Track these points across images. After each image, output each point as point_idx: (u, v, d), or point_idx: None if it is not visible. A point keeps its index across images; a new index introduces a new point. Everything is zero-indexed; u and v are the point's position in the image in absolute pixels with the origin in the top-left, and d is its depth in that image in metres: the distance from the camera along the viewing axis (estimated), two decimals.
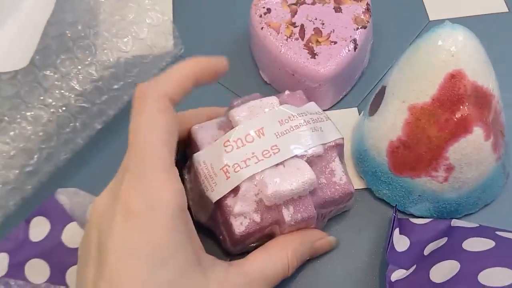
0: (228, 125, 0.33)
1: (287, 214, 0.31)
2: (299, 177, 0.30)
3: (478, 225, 0.33)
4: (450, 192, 0.34)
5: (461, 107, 0.31)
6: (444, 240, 0.32)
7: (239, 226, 0.31)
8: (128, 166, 0.28)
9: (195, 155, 0.33)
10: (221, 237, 0.34)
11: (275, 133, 0.31)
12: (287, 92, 0.36)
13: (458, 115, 0.31)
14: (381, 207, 0.38)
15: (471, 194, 0.35)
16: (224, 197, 0.31)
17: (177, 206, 0.27)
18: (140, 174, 0.27)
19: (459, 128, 0.31)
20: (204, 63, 0.31)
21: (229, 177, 0.31)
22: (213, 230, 0.35)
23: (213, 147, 0.32)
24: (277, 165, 0.31)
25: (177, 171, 0.28)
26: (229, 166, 0.31)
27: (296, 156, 0.31)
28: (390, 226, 0.35)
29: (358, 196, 0.38)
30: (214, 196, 0.31)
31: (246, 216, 0.31)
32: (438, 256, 0.31)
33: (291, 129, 0.32)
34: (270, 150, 0.31)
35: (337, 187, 0.33)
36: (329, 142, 0.33)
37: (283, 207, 0.31)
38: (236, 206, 0.31)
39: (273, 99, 0.34)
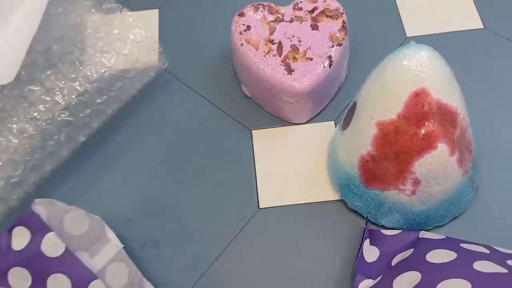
0: None
1: None
2: None
3: (444, 237, 0.34)
4: (418, 205, 0.35)
5: (425, 123, 0.32)
6: (410, 251, 0.33)
7: None
8: None
9: None
10: None
11: None
12: None
13: (422, 131, 0.32)
14: (354, 219, 0.39)
15: (439, 207, 0.36)
16: None
17: None
18: None
19: (424, 144, 0.33)
20: None
21: None
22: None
23: None
24: None
25: None
26: None
27: None
28: (360, 236, 0.36)
29: (332, 207, 0.40)
30: None
31: None
32: (403, 267, 0.32)
33: None
34: None
35: None
36: None
37: None
38: None
39: None
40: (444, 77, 0.33)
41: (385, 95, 0.33)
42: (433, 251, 0.32)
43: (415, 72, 0.32)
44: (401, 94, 0.32)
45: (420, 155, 0.33)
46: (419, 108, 0.32)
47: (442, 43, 0.47)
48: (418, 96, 0.32)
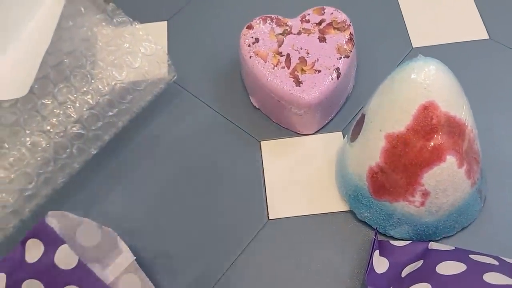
0: None
1: None
2: None
3: (453, 248, 0.35)
4: (427, 216, 0.36)
5: (434, 136, 0.33)
6: (420, 263, 0.34)
7: None
8: None
9: None
10: None
11: None
12: None
13: (431, 144, 0.33)
14: (363, 229, 0.39)
15: (448, 218, 0.36)
16: None
17: None
18: None
19: (433, 156, 0.33)
20: None
21: None
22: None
23: None
24: None
25: None
26: None
27: None
28: (370, 248, 0.36)
29: (341, 218, 0.40)
30: None
31: None
32: (413, 278, 0.32)
33: None
34: None
35: None
36: None
37: None
38: None
39: None
40: (452, 90, 0.33)
41: (393, 108, 0.34)
42: (443, 262, 0.32)
43: (423, 86, 0.32)
44: (410, 107, 0.33)
45: (429, 167, 0.33)
46: (428, 121, 0.32)
47: (448, 53, 0.47)
48: (427, 109, 0.32)
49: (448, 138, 0.33)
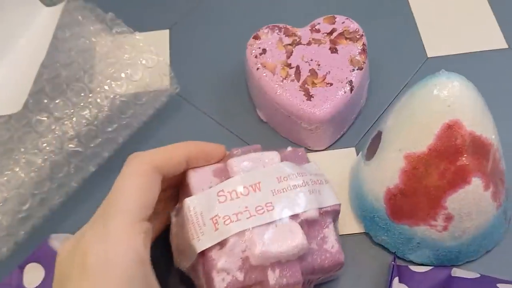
0: (225, 174, 0.32)
1: (272, 277, 0.29)
2: (290, 240, 0.29)
3: (479, 275, 0.32)
4: (450, 241, 0.33)
5: (459, 157, 0.30)
6: None
7: (221, 282, 0.29)
8: (97, 216, 0.29)
9: (186, 199, 0.31)
10: None
11: (271, 190, 0.30)
12: (289, 148, 0.35)
13: (456, 165, 0.30)
14: (380, 253, 0.37)
15: (472, 242, 0.34)
16: (209, 248, 0.30)
17: (133, 261, 0.27)
18: (104, 225, 0.28)
19: (457, 179, 0.31)
20: (200, 148, 0.33)
21: (218, 228, 0.29)
22: (193, 281, 0.34)
23: (206, 194, 0.31)
24: (269, 224, 0.30)
25: (146, 226, 0.29)
26: (219, 217, 0.30)
27: (290, 217, 0.30)
28: (389, 274, 0.34)
29: (356, 241, 0.38)
30: (199, 246, 0.30)
31: (229, 273, 0.29)
32: None
33: (289, 188, 0.31)
34: (264, 207, 0.30)
35: (328, 255, 0.31)
36: (326, 207, 0.32)
37: (269, 269, 0.29)
38: (221, 261, 0.29)
39: (273, 154, 0.33)
40: (477, 107, 0.31)
41: (414, 127, 0.31)
42: None
43: (447, 103, 0.30)
44: (433, 126, 0.30)
45: (454, 190, 0.31)
46: (452, 141, 0.30)
47: (464, 64, 0.45)
48: (451, 129, 0.30)
49: (474, 159, 0.31)
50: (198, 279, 0.33)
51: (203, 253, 0.30)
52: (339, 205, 0.33)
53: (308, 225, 0.31)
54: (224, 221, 0.29)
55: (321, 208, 0.31)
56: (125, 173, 0.30)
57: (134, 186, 0.29)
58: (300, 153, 0.35)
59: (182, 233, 0.32)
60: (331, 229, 0.32)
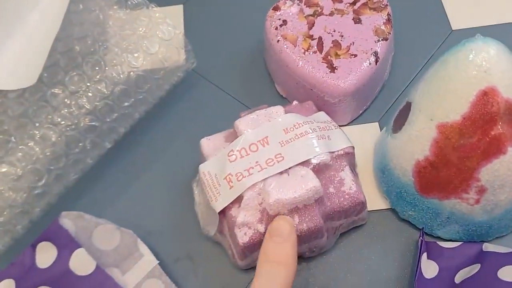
0: (234, 136, 0.33)
1: None
2: (303, 185, 0.30)
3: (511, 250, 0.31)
4: (481, 215, 0.32)
5: (494, 126, 0.29)
6: (477, 267, 0.30)
7: (243, 236, 0.31)
8: None
9: (201, 166, 0.33)
10: (229, 251, 0.34)
11: (279, 142, 0.31)
12: (295, 102, 0.36)
13: (490, 134, 0.29)
14: (407, 229, 0.36)
15: (504, 216, 0.33)
16: (229, 207, 0.31)
17: None
18: None
19: (491, 148, 0.29)
20: None
21: (232, 186, 0.31)
22: (222, 245, 0.35)
23: (217, 157, 0.33)
24: (281, 173, 0.31)
25: None
26: (232, 175, 0.31)
27: (301, 164, 0.31)
28: (417, 250, 0.33)
29: (382, 217, 0.36)
30: (218, 206, 0.31)
31: (250, 226, 0.31)
32: (472, 285, 0.29)
33: (296, 137, 0.31)
34: (274, 159, 0.31)
35: (346, 196, 0.32)
36: (338, 151, 0.33)
37: (288, 217, 0.30)
38: (240, 215, 0.31)
39: (278, 108, 0.33)
40: None
41: (447, 95, 0.30)
42: (505, 267, 0.29)
43: (483, 69, 0.29)
44: (468, 93, 0.29)
45: (488, 161, 0.30)
46: (488, 109, 0.29)
47: (491, 36, 0.43)
48: (487, 96, 0.29)
49: (509, 128, 0.29)
50: (225, 241, 0.34)
51: (224, 214, 0.31)
52: (352, 147, 0.34)
53: (322, 169, 0.32)
54: (237, 178, 0.31)
55: (332, 152, 0.32)
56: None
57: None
58: (307, 105, 0.36)
59: (203, 200, 0.33)
60: (347, 171, 0.32)
